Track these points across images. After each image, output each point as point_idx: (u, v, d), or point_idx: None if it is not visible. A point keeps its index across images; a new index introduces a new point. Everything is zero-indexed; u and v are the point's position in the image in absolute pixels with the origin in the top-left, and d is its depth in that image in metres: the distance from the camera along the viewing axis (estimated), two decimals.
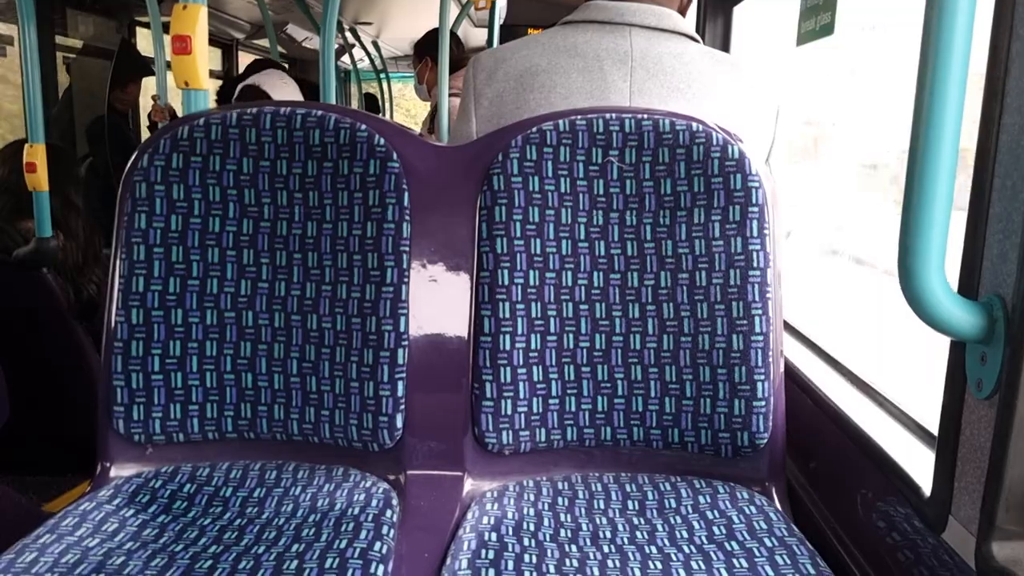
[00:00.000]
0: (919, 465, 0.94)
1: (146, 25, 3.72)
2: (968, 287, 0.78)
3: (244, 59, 5.17)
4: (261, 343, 1.16)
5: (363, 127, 1.15)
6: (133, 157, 1.15)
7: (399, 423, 1.13)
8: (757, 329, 1.11)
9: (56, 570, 0.88)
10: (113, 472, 1.15)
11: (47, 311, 2.29)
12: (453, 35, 3.21)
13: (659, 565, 0.95)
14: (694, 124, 1.13)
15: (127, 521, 1.01)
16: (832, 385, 1.26)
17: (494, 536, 1.00)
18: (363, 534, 0.98)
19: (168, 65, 2.80)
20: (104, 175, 3.49)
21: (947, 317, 0.73)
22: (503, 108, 1.27)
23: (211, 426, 1.16)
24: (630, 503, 1.09)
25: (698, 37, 1.31)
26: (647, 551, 0.98)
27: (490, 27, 3.34)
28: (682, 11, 1.34)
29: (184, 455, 1.16)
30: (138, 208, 1.14)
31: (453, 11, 3.15)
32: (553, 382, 1.15)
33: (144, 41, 4.13)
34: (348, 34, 6.33)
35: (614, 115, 1.15)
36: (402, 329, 1.13)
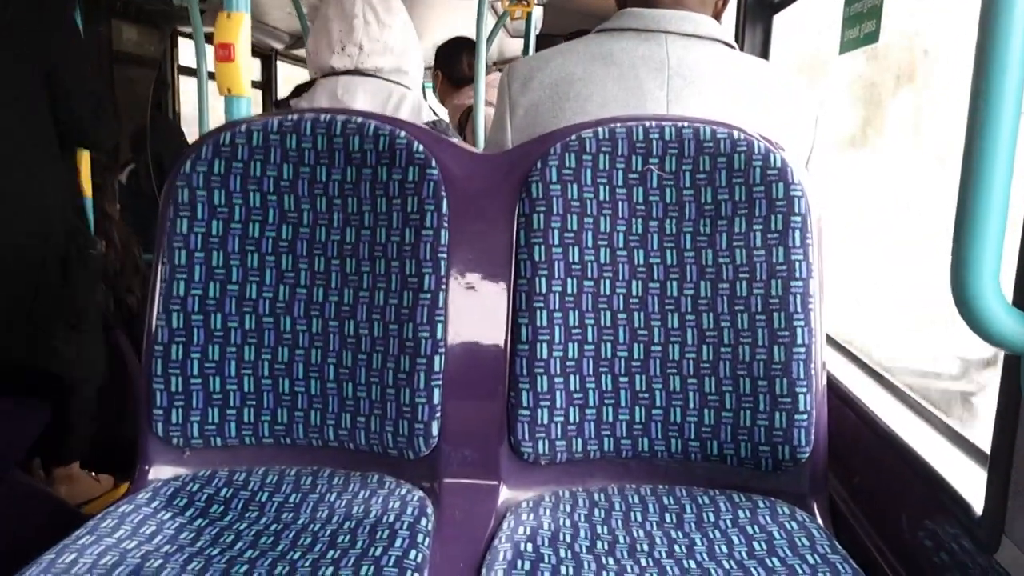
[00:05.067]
0: (969, 482, 0.92)
1: (189, 35, 3.79)
2: (1023, 299, 0.76)
3: (283, 69, 5.24)
4: (299, 348, 1.16)
5: (402, 134, 1.15)
6: (177, 163, 1.17)
7: (435, 431, 1.12)
8: (799, 341, 1.08)
9: (95, 571, 0.89)
10: (152, 475, 1.16)
11: None
12: (467, 46, 3.21)
13: None
14: (735, 132, 1.12)
15: (164, 524, 1.01)
16: (876, 399, 1.23)
17: (530, 547, 0.99)
18: (398, 542, 0.98)
19: (210, 74, 2.85)
20: (146, 181, 3.55)
21: (1001, 329, 0.71)
22: (539, 117, 1.26)
23: (248, 431, 1.17)
24: (668, 516, 1.07)
25: (734, 44, 1.29)
26: (685, 565, 0.96)
27: (526, 37, 3.35)
28: (716, 17, 1.32)
29: (221, 459, 1.17)
30: (180, 213, 1.15)
31: (489, 22, 3.15)
32: (590, 392, 1.13)
33: (186, 51, 4.20)
34: None
35: (654, 123, 1.13)
36: (439, 336, 1.12)
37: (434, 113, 1.80)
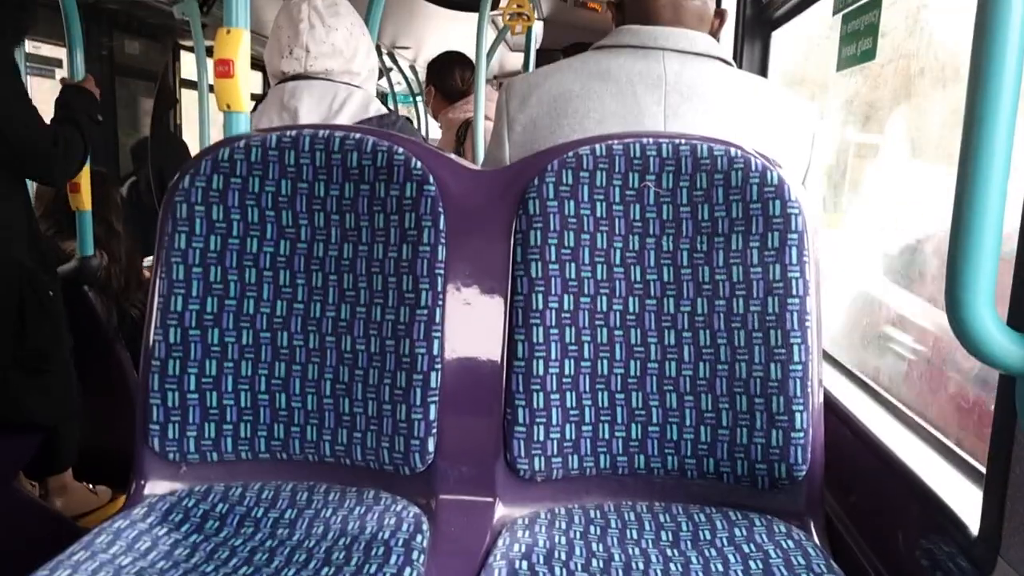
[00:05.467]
0: (965, 502, 0.91)
1: (190, 49, 3.81)
2: (1019, 319, 0.76)
3: None
4: (295, 364, 1.16)
5: (400, 150, 1.16)
6: (175, 178, 1.17)
7: (431, 447, 1.12)
8: (796, 358, 1.08)
9: None
10: (147, 490, 1.15)
11: (88, 328, 2.34)
12: (459, 60, 3.23)
13: None
14: (732, 149, 1.12)
15: (160, 539, 1.01)
16: (873, 417, 1.23)
17: (525, 565, 0.98)
18: (393, 559, 0.97)
19: (211, 87, 2.86)
20: (146, 194, 3.57)
21: (996, 350, 0.71)
22: (536, 134, 1.26)
23: (244, 446, 1.16)
24: (663, 534, 1.07)
25: (731, 61, 1.30)
26: None
27: (526, 51, 3.36)
28: (713, 35, 1.33)
29: (217, 474, 1.17)
30: (178, 228, 1.15)
31: (490, 36, 3.17)
32: (586, 408, 1.13)
33: (188, 64, 4.22)
34: (386, 58, 6.42)
35: (651, 140, 1.14)
36: (435, 352, 1.12)
37: (387, 109, 1.81)
